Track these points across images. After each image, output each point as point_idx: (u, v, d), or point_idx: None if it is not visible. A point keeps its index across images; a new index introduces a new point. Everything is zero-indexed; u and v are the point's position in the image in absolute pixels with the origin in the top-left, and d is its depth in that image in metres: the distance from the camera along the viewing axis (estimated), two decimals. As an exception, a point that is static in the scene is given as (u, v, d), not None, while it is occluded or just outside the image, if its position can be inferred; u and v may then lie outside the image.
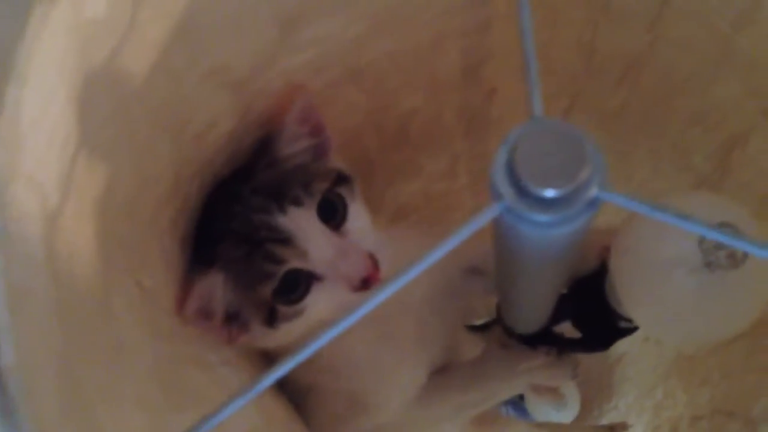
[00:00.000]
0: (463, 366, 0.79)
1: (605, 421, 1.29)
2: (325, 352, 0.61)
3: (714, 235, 0.31)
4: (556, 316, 0.73)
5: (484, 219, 0.33)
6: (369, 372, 0.69)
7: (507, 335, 0.76)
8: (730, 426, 0.73)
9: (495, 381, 0.76)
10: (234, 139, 0.56)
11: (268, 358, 0.65)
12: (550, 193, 0.31)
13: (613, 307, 0.69)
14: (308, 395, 0.68)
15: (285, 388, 0.68)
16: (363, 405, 0.68)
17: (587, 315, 0.73)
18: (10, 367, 0.27)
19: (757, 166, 0.65)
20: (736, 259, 0.54)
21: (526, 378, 0.76)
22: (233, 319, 0.57)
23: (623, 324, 0.70)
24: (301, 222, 0.56)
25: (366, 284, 0.57)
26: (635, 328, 0.69)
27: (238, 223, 0.55)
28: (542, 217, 0.32)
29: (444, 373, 0.76)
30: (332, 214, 0.58)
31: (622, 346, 0.94)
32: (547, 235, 0.34)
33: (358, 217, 0.59)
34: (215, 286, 0.55)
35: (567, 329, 0.77)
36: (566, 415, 1.32)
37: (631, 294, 0.60)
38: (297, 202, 0.56)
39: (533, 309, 0.62)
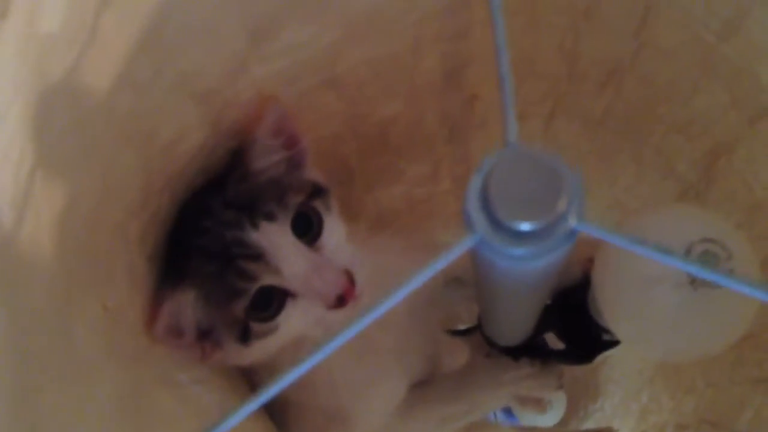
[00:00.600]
0: (447, 377, 0.78)
1: (591, 422, 1.28)
2: (285, 361, 0.60)
3: (699, 272, 0.29)
4: (540, 327, 0.72)
5: (457, 252, 0.31)
6: (348, 386, 0.67)
7: (489, 346, 0.75)
8: (714, 438, 0.72)
9: (479, 392, 0.75)
10: (205, 150, 0.54)
11: (243, 373, 0.63)
12: (525, 226, 0.30)
13: (596, 320, 0.67)
14: (288, 411, 0.67)
15: (265, 403, 0.67)
16: (343, 419, 0.67)
17: (570, 327, 0.72)
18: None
19: (743, 176, 0.64)
20: (720, 276, 0.52)
21: (511, 389, 0.75)
22: (206, 336, 0.55)
23: (607, 336, 0.69)
24: (274, 237, 0.54)
25: (341, 301, 0.55)
26: (619, 341, 0.67)
27: (210, 238, 0.53)
28: (517, 251, 0.30)
29: (427, 385, 0.75)
30: (307, 229, 0.56)
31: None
32: (524, 267, 0.33)
33: (333, 231, 0.57)
34: (185, 304, 0.53)
35: (551, 339, 0.76)
36: (552, 417, 1.31)
37: (613, 308, 0.59)
38: (270, 217, 0.54)
39: (514, 325, 0.60)
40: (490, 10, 0.33)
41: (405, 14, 0.55)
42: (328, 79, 0.58)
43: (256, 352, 0.57)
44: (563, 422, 1.33)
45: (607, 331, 0.67)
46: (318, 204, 0.57)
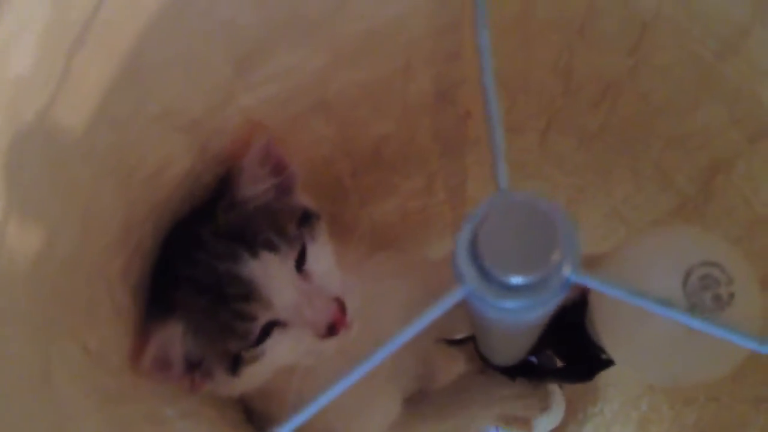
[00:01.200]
0: (439, 393, 0.77)
1: (590, 426, 1.27)
2: (296, 390, 0.59)
3: (704, 327, 0.28)
4: (538, 346, 0.71)
5: (447, 304, 0.30)
6: (341, 408, 0.66)
7: (484, 362, 0.74)
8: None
9: (471, 409, 0.74)
10: (191, 178, 0.53)
11: (233, 403, 0.62)
12: (517, 280, 0.28)
13: (594, 339, 0.66)
14: None
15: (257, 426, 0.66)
16: None
17: (569, 345, 0.71)
18: None
19: (742, 192, 0.63)
20: (721, 302, 0.51)
21: (502, 407, 0.74)
22: (195, 368, 0.54)
23: (605, 356, 0.68)
24: (272, 268, 0.53)
25: (332, 330, 0.54)
26: (617, 361, 0.66)
27: (201, 270, 0.52)
28: (509, 304, 0.29)
29: (420, 402, 0.74)
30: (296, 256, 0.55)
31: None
32: (518, 317, 0.31)
33: (321, 258, 0.56)
34: (174, 337, 0.52)
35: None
36: (551, 420, 1.30)
37: (610, 332, 0.58)
38: (271, 247, 0.52)
39: (509, 352, 0.59)
40: (481, 65, 0.32)
41: (395, 37, 0.54)
42: (318, 103, 0.57)
43: (246, 380, 0.56)
44: (562, 424, 1.32)
45: (605, 351, 0.66)
46: (307, 230, 0.56)
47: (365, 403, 0.67)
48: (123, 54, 0.39)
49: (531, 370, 0.73)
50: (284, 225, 0.54)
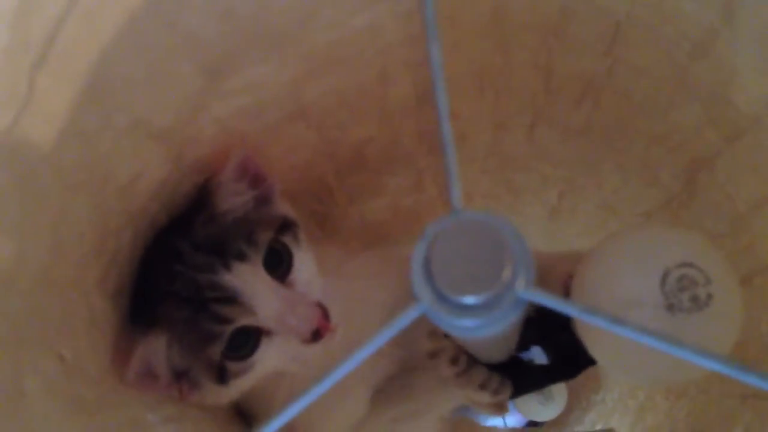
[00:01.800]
0: (399, 377, 0.76)
1: (593, 414, 1.28)
2: (286, 395, 0.59)
3: (664, 346, 0.28)
4: (524, 343, 0.71)
5: (403, 322, 0.30)
6: (310, 407, 0.66)
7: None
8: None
9: (427, 392, 0.73)
10: (169, 186, 0.53)
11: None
12: (470, 300, 0.29)
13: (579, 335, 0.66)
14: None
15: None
16: None
17: (554, 342, 0.71)
18: None
19: (725, 190, 0.63)
20: (699, 302, 0.52)
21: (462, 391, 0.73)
22: (182, 377, 0.54)
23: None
24: (247, 277, 0.53)
25: (317, 336, 0.55)
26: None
27: (181, 283, 0.53)
28: (465, 322, 0.29)
29: (388, 383, 0.74)
30: (277, 264, 0.55)
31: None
32: (476, 334, 0.32)
33: (304, 265, 0.56)
34: (158, 348, 0.53)
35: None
36: (553, 409, 1.31)
37: (590, 333, 0.58)
38: (241, 257, 0.53)
39: (489, 354, 0.59)
40: (433, 78, 0.32)
41: (368, 46, 0.54)
42: (295, 111, 0.57)
43: (234, 390, 0.56)
44: (566, 411, 1.33)
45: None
46: (287, 238, 0.56)
47: (335, 404, 0.67)
48: (88, 69, 0.39)
49: (519, 367, 0.73)
50: (262, 234, 0.55)
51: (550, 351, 0.73)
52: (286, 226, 0.57)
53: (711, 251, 0.55)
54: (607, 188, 0.86)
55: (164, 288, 0.53)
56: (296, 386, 0.59)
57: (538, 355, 0.78)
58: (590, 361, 0.71)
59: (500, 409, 0.71)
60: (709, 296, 0.52)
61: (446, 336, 0.82)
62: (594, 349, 0.59)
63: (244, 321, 0.53)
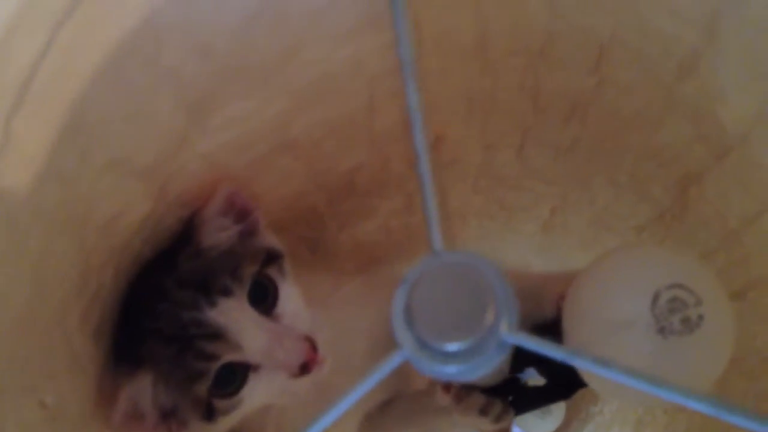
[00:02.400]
0: (399, 401, 0.76)
1: (592, 426, 1.28)
2: (255, 424, 0.58)
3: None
4: (518, 364, 0.71)
5: (386, 369, 0.30)
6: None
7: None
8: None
9: (429, 418, 0.73)
10: (152, 222, 0.53)
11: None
12: (452, 347, 0.28)
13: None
14: None
15: None
16: None
17: (549, 363, 0.71)
18: None
19: (715, 206, 0.63)
20: (690, 324, 0.51)
21: (465, 419, 0.73)
22: (170, 416, 0.54)
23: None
24: (232, 313, 0.53)
25: (305, 369, 0.54)
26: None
27: (166, 321, 0.52)
28: (447, 369, 0.29)
29: (382, 410, 0.74)
30: (263, 298, 0.55)
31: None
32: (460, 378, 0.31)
33: (290, 297, 0.56)
34: (144, 389, 0.52)
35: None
36: (552, 422, 1.31)
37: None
38: (226, 292, 0.53)
39: (481, 379, 0.59)
40: (411, 119, 0.31)
41: (353, 78, 0.54)
42: (281, 144, 0.57)
43: (222, 427, 0.56)
44: (565, 424, 1.32)
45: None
46: (272, 271, 0.56)
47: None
48: (65, 110, 0.39)
49: (514, 389, 0.73)
50: (248, 268, 0.54)
51: (544, 372, 0.73)
52: (271, 258, 0.57)
53: (701, 271, 0.54)
54: (600, 203, 0.86)
55: (148, 326, 0.52)
56: (285, 418, 0.59)
57: (533, 375, 0.78)
58: (584, 383, 0.71)
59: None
60: (700, 317, 0.51)
61: None
62: (585, 376, 0.59)
63: (230, 357, 0.53)
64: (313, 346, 0.55)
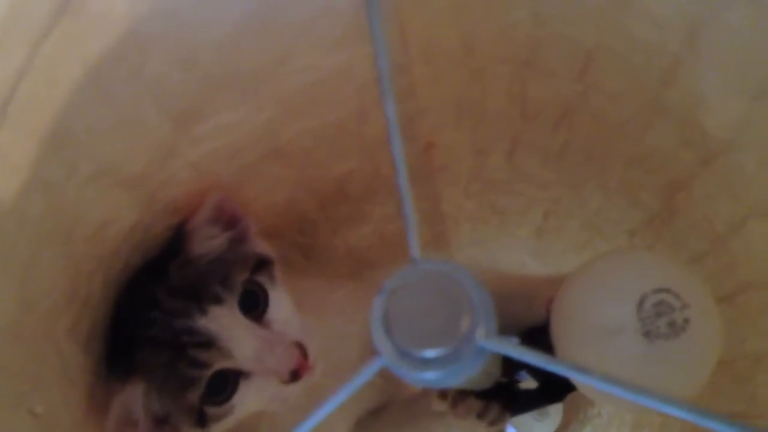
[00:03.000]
0: (392, 407, 0.76)
1: (589, 427, 1.28)
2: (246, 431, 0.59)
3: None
4: (511, 368, 0.71)
5: (365, 376, 0.30)
6: None
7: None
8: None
9: (422, 423, 0.73)
10: (140, 230, 0.53)
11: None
12: (429, 353, 0.29)
13: (564, 361, 0.66)
14: None
15: None
16: None
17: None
18: None
19: (703, 211, 0.63)
20: (676, 328, 0.52)
21: (460, 423, 0.73)
22: (163, 423, 0.54)
23: (576, 378, 0.68)
24: (223, 320, 0.53)
25: (296, 375, 0.55)
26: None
27: (158, 329, 0.52)
28: (427, 376, 0.30)
29: (376, 416, 0.74)
30: (253, 305, 0.55)
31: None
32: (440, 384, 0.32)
33: (280, 303, 0.56)
34: (136, 397, 0.52)
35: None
36: (549, 424, 1.31)
37: (568, 359, 0.58)
38: (217, 300, 0.53)
39: (473, 384, 0.59)
40: (389, 131, 0.32)
41: (342, 86, 0.54)
42: (271, 151, 0.57)
43: None
44: (562, 426, 1.33)
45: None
46: (262, 278, 0.56)
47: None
48: (50, 121, 0.39)
49: (506, 393, 0.73)
50: (238, 275, 0.55)
51: (537, 375, 0.73)
52: (261, 265, 0.57)
53: (687, 275, 0.55)
54: (592, 208, 0.87)
55: (141, 335, 0.53)
56: (276, 424, 0.59)
57: (526, 378, 0.78)
58: (573, 386, 0.71)
59: None
60: (686, 321, 0.52)
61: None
62: (576, 382, 0.59)
63: (221, 364, 0.53)
64: (303, 353, 0.55)
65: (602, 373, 0.29)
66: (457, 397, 0.71)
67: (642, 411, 0.67)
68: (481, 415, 0.71)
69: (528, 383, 0.78)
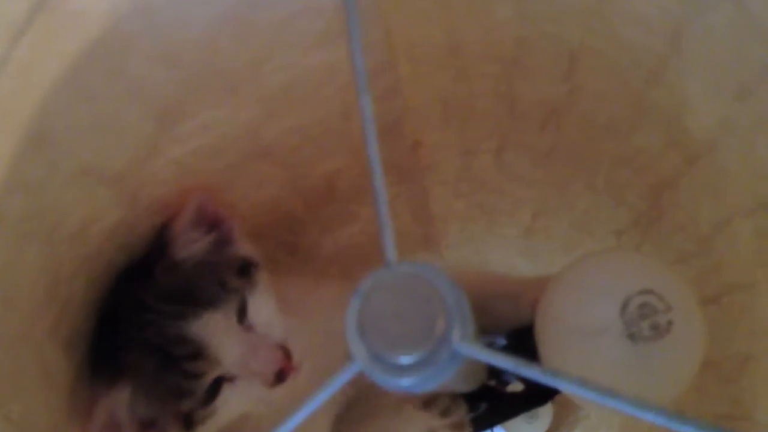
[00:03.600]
0: (362, 400, 0.76)
1: (579, 429, 1.28)
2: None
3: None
4: (497, 370, 0.71)
5: (340, 381, 0.30)
6: None
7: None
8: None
9: (388, 418, 0.73)
10: (123, 229, 0.53)
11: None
12: (405, 359, 0.28)
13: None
14: None
15: None
16: None
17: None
18: None
19: (689, 211, 0.63)
20: (660, 330, 0.52)
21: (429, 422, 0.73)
22: (149, 426, 0.54)
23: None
24: (216, 325, 0.53)
25: (281, 378, 0.54)
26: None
27: (148, 333, 0.52)
28: (402, 381, 0.29)
29: (349, 408, 0.74)
30: (238, 308, 0.55)
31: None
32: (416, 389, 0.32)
33: (263, 306, 0.56)
34: (122, 400, 0.52)
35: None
36: (539, 426, 1.31)
37: (553, 362, 0.58)
38: (213, 305, 0.53)
39: (453, 387, 0.59)
40: (365, 131, 0.32)
41: (326, 84, 0.54)
42: (255, 150, 0.57)
43: None
44: (552, 428, 1.33)
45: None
46: (246, 280, 0.56)
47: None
48: (29, 120, 0.39)
49: (492, 396, 0.73)
50: (223, 278, 0.54)
51: (521, 378, 0.73)
52: (245, 267, 0.57)
53: (671, 277, 0.55)
54: (579, 208, 0.87)
55: (128, 339, 0.52)
56: (262, 427, 0.59)
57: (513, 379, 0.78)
58: (558, 389, 0.71)
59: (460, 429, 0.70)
60: (670, 323, 0.52)
61: None
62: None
63: (215, 373, 0.53)
64: (287, 354, 0.55)
65: (577, 376, 0.29)
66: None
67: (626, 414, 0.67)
68: (427, 405, 0.70)
69: (515, 386, 0.78)
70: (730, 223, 0.57)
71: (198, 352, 0.52)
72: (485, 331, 0.71)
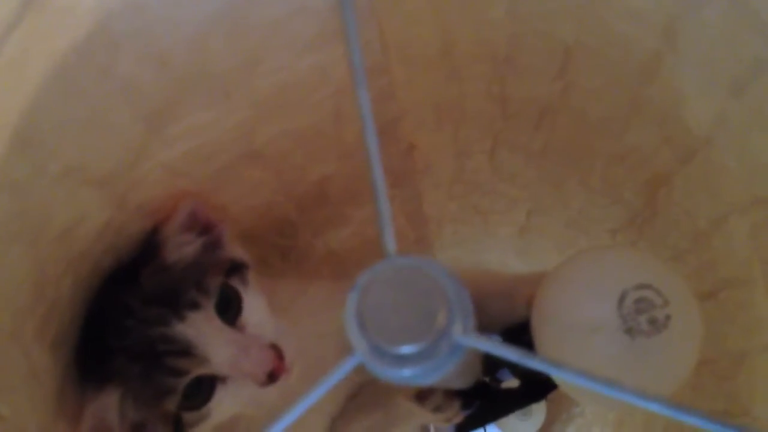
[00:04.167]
0: (362, 394, 0.76)
1: (573, 427, 1.28)
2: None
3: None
4: (491, 367, 0.71)
5: (340, 374, 0.30)
6: None
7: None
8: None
9: (377, 413, 0.73)
10: (111, 230, 0.52)
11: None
12: (405, 349, 0.28)
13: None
14: None
15: None
16: None
17: (523, 365, 0.71)
18: None
19: (684, 207, 0.63)
20: (657, 324, 0.51)
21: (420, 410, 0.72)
22: (140, 430, 0.53)
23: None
24: (201, 326, 0.52)
25: (273, 378, 0.54)
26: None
27: (134, 338, 0.52)
28: (403, 372, 0.29)
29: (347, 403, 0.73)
30: (227, 308, 0.55)
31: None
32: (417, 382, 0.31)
33: (254, 306, 0.56)
34: (111, 405, 0.52)
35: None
36: (533, 423, 1.31)
37: (550, 356, 0.57)
38: (194, 306, 0.52)
39: (450, 383, 0.59)
40: (363, 121, 0.31)
41: (319, 87, 0.54)
42: (246, 154, 0.56)
43: None
44: (546, 425, 1.33)
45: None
46: (235, 281, 0.56)
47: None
48: (15, 119, 0.38)
49: (487, 393, 0.73)
50: (210, 280, 0.54)
51: (518, 373, 0.73)
52: (234, 268, 0.57)
53: (668, 272, 0.55)
54: (574, 207, 0.87)
55: (115, 343, 0.52)
56: (254, 427, 0.58)
57: (509, 377, 0.78)
58: (555, 385, 0.71)
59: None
60: (668, 317, 0.52)
61: None
62: (556, 378, 0.58)
63: (199, 371, 0.52)
64: (279, 354, 0.55)
65: (579, 368, 0.28)
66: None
67: (623, 409, 0.67)
68: (420, 400, 0.70)
69: (510, 383, 0.77)
70: (726, 220, 0.57)
71: (185, 351, 0.52)
72: (480, 329, 0.70)
